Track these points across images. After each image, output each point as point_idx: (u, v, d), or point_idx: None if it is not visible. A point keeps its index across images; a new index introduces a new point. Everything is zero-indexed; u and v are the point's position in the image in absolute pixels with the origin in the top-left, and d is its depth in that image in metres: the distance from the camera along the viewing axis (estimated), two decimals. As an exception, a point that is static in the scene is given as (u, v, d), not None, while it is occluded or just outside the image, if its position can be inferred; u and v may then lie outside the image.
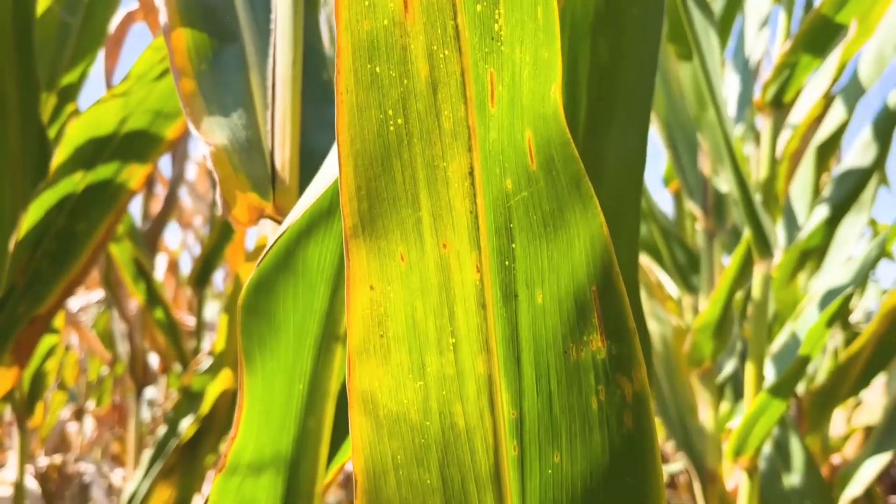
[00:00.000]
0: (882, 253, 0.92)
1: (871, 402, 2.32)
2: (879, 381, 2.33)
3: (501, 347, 0.34)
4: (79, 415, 2.75)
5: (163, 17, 0.46)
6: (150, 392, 2.53)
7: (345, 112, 0.31)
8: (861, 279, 0.89)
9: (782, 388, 0.84)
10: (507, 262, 0.34)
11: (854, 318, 2.44)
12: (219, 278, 3.43)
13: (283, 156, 0.47)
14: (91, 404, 2.89)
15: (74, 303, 2.29)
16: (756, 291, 0.93)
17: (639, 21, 0.55)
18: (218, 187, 0.46)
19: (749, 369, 0.92)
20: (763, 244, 0.90)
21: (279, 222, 0.48)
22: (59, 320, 1.21)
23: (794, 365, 0.83)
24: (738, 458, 0.88)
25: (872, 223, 2.13)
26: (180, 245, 2.77)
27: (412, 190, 0.32)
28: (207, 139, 0.45)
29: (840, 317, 2.29)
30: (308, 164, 0.50)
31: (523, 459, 0.35)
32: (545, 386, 0.34)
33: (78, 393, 2.84)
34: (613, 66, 0.55)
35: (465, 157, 0.32)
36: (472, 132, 0.32)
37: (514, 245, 0.34)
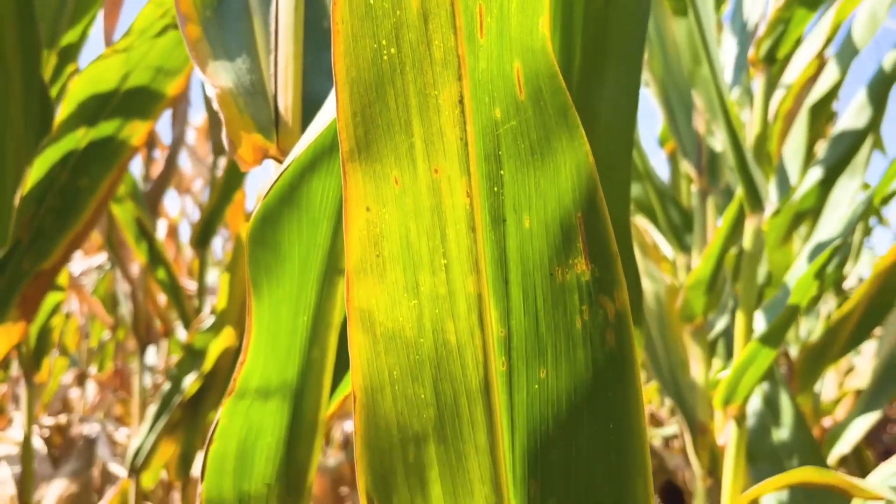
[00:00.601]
0: (870, 207, 0.94)
1: (864, 369, 2.36)
2: (871, 347, 2.36)
3: (490, 268, 0.36)
4: (81, 380, 2.78)
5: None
6: (150, 359, 2.56)
7: (341, 42, 0.33)
8: (849, 232, 0.91)
9: (771, 338, 0.86)
10: (495, 188, 0.36)
11: (848, 284, 2.47)
12: (218, 247, 3.45)
13: (286, 99, 0.49)
14: (93, 370, 2.92)
15: (76, 267, 2.32)
16: (747, 244, 0.95)
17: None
18: (224, 129, 0.47)
19: (739, 320, 0.95)
20: (754, 198, 0.92)
21: (282, 163, 0.49)
22: (63, 278, 1.23)
23: (783, 314, 0.85)
24: (727, 407, 0.90)
25: (866, 187, 2.15)
26: (180, 212, 2.79)
27: (405, 116, 0.34)
28: (213, 82, 0.47)
29: (832, 279, 2.31)
30: (309, 109, 0.52)
31: (511, 374, 0.37)
32: (532, 306, 0.36)
33: (79, 359, 2.87)
34: (607, 16, 0.56)
35: (455, 86, 0.34)
36: (462, 61, 0.34)
37: (502, 171, 0.36)
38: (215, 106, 0.46)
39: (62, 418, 2.19)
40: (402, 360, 0.36)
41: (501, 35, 0.34)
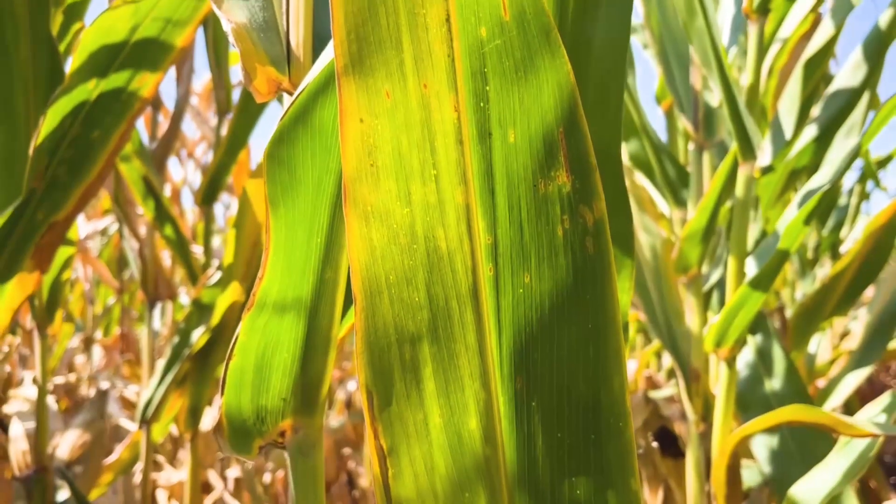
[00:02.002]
0: (858, 152, 0.96)
1: (859, 332, 2.38)
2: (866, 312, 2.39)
3: (478, 180, 0.39)
4: (87, 344, 2.82)
5: None
6: (157, 323, 2.60)
7: (337, -37, 0.35)
8: (838, 178, 0.93)
9: (761, 282, 0.89)
10: (482, 104, 0.38)
11: (845, 249, 2.49)
12: (220, 216, 3.48)
13: (297, 36, 0.51)
14: (98, 335, 2.97)
15: (81, 230, 2.35)
16: (739, 191, 0.97)
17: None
18: (240, 63, 0.50)
19: (731, 265, 0.98)
20: (746, 146, 0.94)
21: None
22: (73, 232, 1.27)
23: (773, 258, 0.88)
24: (718, 350, 0.93)
25: (864, 148, 2.16)
26: (183, 178, 2.82)
27: (395, 34, 0.36)
28: (229, 17, 0.49)
29: (829, 242, 2.32)
30: (319, 45, 0.54)
31: (498, 279, 0.40)
32: (517, 215, 0.39)
33: (84, 325, 2.91)
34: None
35: (442, 5, 0.36)
36: (449, -19, 0.36)
37: (488, 88, 0.38)
38: (231, 41, 0.49)
39: (71, 377, 2.24)
40: (397, 265, 0.39)
41: (487, -42, 0.37)
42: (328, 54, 0.46)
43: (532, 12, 0.38)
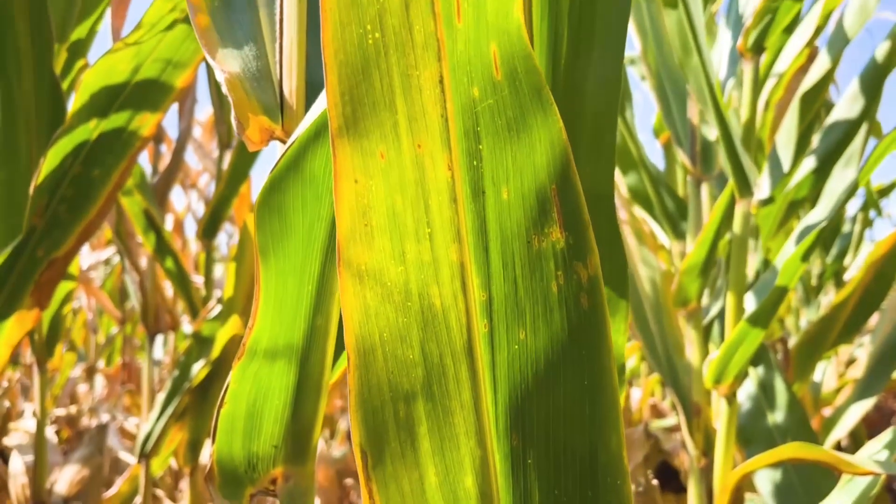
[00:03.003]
0: (856, 186, 0.96)
1: (864, 361, 2.37)
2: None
3: (472, 237, 0.39)
4: (90, 374, 2.82)
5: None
6: (158, 353, 2.59)
7: (329, 27, 0.36)
8: (836, 212, 0.93)
9: (760, 318, 0.89)
10: (475, 162, 0.39)
11: (848, 276, 2.49)
12: (223, 245, 3.48)
13: (290, 84, 0.52)
14: (101, 364, 2.96)
15: (84, 261, 2.35)
16: (736, 227, 0.97)
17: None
18: (232, 114, 0.50)
19: (730, 300, 0.97)
20: (742, 182, 0.94)
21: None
22: (74, 265, 1.27)
23: (771, 295, 0.88)
24: (718, 386, 0.93)
25: (863, 178, 2.16)
26: (186, 208, 2.82)
27: (389, 96, 0.37)
28: (222, 67, 0.50)
29: (832, 270, 2.31)
30: (312, 94, 0.55)
31: (493, 336, 0.40)
32: (511, 272, 0.39)
33: (87, 355, 2.91)
34: (593, 1, 0.59)
35: (435, 67, 0.37)
36: (441, 44, 0.37)
37: (481, 146, 0.38)
38: (224, 90, 0.49)
39: (72, 409, 2.23)
40: (391, 323, 0.39)
41: (478, 20, 0.37)
42: (321, 103, 0.46)
43: (523, 71, 0.38)
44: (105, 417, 1.88)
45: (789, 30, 1.06)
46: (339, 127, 0.36)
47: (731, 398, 0.95)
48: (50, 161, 0.91)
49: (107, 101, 0.88)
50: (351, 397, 0.39)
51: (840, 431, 1.52)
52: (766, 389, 1.29)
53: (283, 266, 0.47)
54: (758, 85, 1.01)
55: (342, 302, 0.38)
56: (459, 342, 0.39)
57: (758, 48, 1.00)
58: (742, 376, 0.97)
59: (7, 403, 2.04)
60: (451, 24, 0.37)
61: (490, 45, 0.37)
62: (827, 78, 1.27)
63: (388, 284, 0.38)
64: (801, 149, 1.25)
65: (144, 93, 0.88)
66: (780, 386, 1.30)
